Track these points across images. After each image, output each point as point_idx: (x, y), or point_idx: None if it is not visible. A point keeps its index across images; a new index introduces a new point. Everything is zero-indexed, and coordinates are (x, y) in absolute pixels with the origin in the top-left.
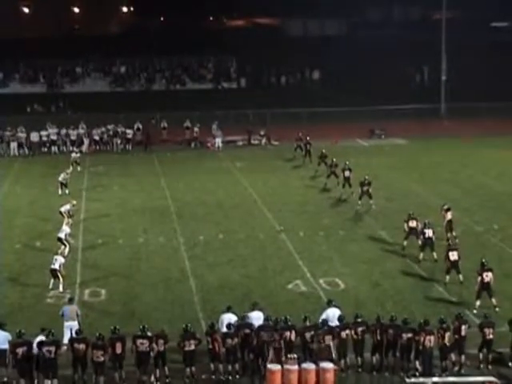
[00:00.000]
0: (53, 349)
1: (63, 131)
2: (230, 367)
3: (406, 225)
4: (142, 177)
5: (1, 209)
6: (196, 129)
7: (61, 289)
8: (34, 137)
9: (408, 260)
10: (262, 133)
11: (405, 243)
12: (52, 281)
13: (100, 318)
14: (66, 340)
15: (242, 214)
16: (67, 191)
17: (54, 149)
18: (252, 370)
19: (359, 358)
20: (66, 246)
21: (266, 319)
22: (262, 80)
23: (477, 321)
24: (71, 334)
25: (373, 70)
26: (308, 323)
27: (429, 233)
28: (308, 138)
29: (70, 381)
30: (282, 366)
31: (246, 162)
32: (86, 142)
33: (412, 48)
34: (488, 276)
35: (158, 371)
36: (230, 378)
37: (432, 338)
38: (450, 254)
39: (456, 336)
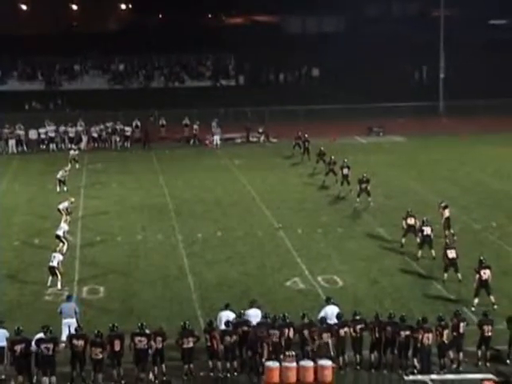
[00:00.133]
0: (51, 346)
1: (61, 128)
2: (228, 365)
3: (404, 222)
4: (140, 174)
5: None
6: (195, 126)
7: (59, 286)
8: (33, 134)
9: (406, 257)
10: (260, 130)
11: (403, 241)
12: (50, 278)
13: (98, 315)
14: (64, 337)
15: (241, 211)
16: (65, 188)
17: (53, 146)
18: (250, 368)
19: (357, 356)
20: (64, 243)
21: (264, 316)
22: (261, 77)
23: (475, 318)
24: (69, 331)
25: (371, 67)
26: (306, 320)
27: (427, 230)
28: (306, 136)
29: (68, 378)
30: (280, 364)
31: (245, 159)
32: (85, 139)
33: (411, 46)
34: (486, 273)
35: (156, 368)
36: (229, 375)
37: (430, 335)
38: (448, 251)
39: (454, 333)
